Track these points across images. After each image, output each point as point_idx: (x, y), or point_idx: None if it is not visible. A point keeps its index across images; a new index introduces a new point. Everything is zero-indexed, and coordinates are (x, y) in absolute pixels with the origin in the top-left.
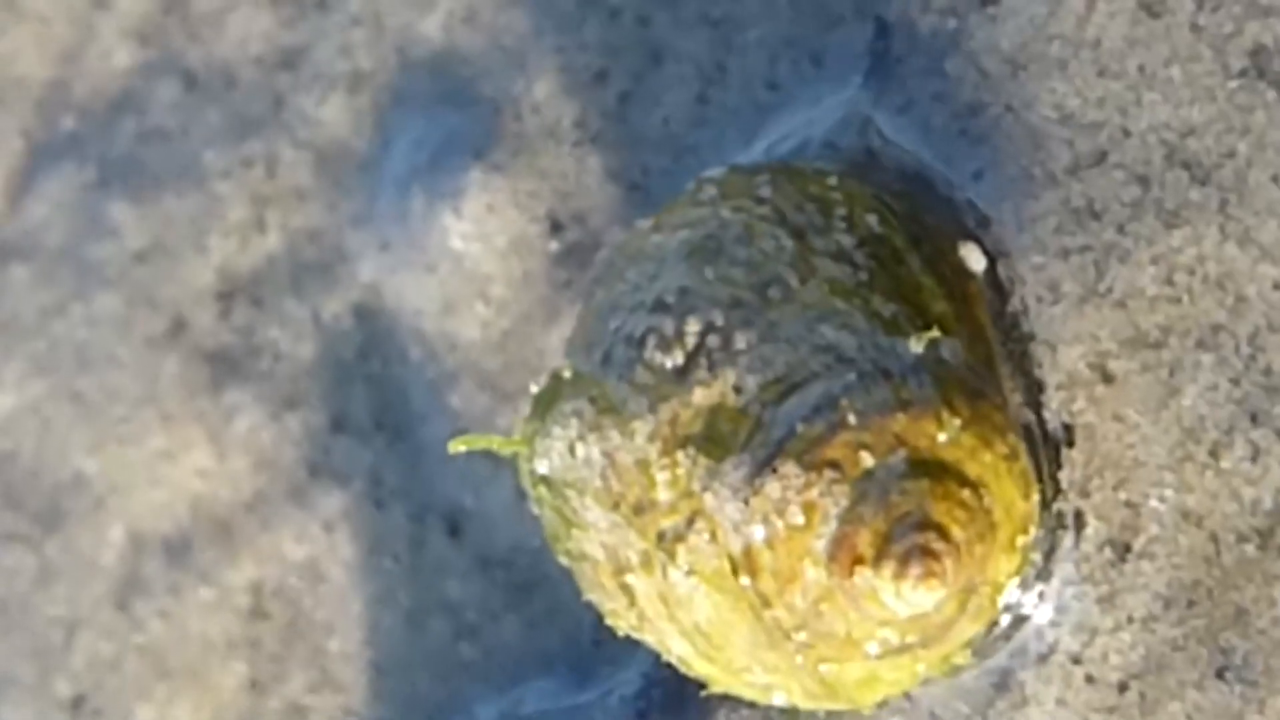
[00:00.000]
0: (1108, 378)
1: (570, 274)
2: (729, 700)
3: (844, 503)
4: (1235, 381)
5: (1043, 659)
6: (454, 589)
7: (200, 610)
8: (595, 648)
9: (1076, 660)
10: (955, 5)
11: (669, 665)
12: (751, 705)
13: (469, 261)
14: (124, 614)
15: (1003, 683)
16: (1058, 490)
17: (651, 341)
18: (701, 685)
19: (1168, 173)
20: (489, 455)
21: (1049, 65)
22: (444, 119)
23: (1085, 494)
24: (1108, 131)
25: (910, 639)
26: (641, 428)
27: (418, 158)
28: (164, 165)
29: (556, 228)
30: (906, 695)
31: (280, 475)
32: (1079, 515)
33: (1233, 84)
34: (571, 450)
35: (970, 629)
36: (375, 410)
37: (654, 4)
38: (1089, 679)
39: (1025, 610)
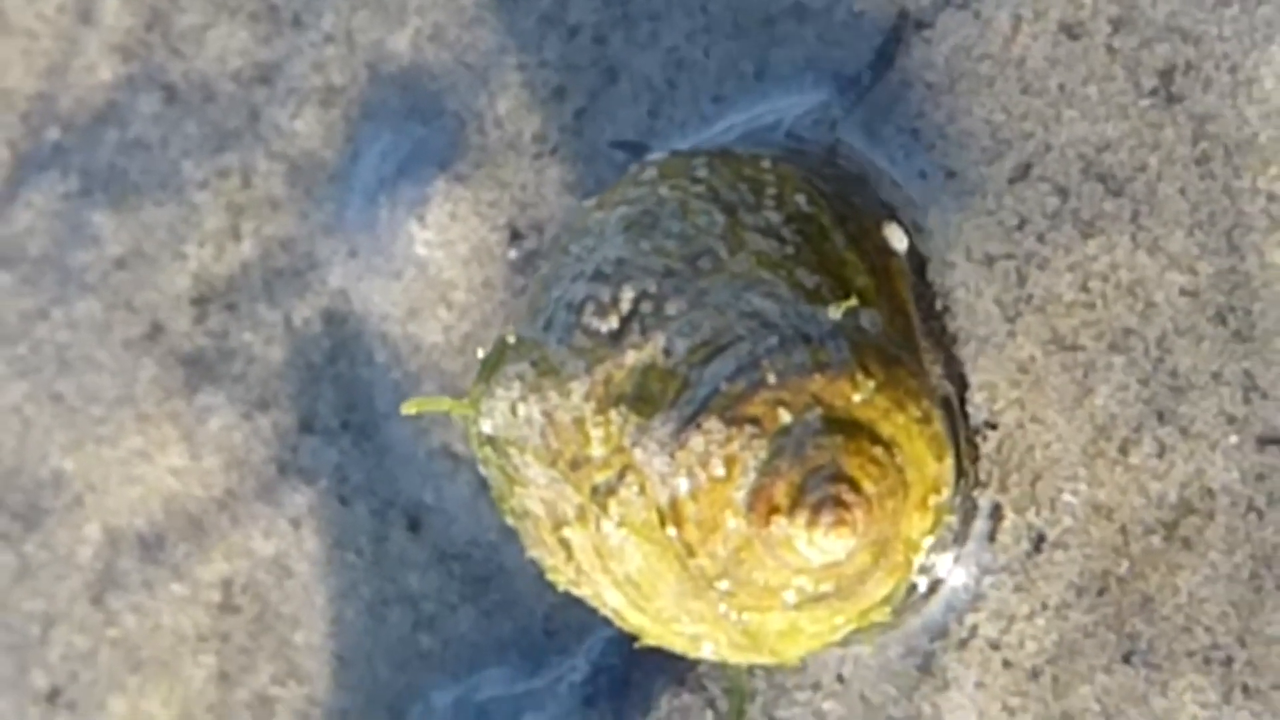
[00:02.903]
0: (1027, 379)
1: (528, 280)
2: (671, 685)
3: (762, 456)
4: (1144, 382)
5: (963, 644)
6: (414, 581)
7: (172, 605)
8: (547, 637)
9: (995, 646)
10: (895, 27)
11: (615, 654)
12: (693, 690)
13: (433, 268)
14: (99, 608)
15: (926, 666)
16: (977, 458)
17: (589, 308)
18: (647, 675)
19: (1085, 185)
20: (449, 453)
21: (978, 83)
22: (411, 132)
23: (1004, 489)
24: (1031, 145)
25: (825, 588)
26: (578, 388)
27: (385, 169)
28: (144, 175)
29: (516, 236)
30: (839, 678)
31: (250, 474)
32: (997, 508)
33: (1144, 102)
34: (514, 410)
35: (886, 584)
36: (342, 411)
37: (610, 24)
38: (1006, 664)
39: (940, 574)
